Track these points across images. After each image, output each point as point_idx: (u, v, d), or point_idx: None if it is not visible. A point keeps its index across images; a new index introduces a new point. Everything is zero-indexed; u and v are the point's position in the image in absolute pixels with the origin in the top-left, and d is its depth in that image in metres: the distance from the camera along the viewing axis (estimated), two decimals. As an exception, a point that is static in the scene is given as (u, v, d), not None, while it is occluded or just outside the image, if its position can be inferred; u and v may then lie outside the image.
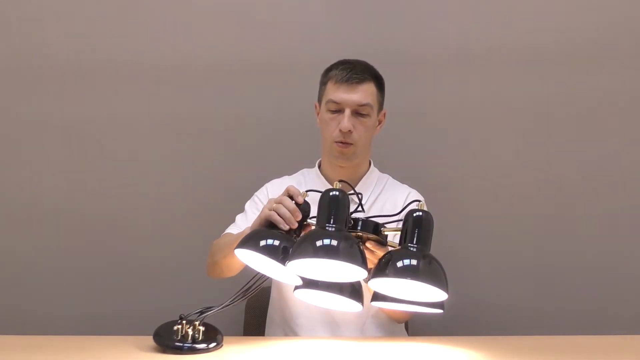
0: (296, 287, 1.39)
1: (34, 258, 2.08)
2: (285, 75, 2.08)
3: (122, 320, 2.07)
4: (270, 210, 1.34)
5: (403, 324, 1.78)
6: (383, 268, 1.22)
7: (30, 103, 2.07)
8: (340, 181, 1.34)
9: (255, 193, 1.75)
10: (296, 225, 1.32)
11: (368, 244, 1.32)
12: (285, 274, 1.32)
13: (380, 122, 1.72)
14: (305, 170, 1.81)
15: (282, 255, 1.27)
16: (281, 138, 2.07)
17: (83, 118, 2.07)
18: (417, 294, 1.26)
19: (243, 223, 1.67)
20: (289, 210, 1.32)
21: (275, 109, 2.08)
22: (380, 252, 1.30)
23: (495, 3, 2.09)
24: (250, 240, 1.31)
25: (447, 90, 2.09)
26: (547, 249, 2.12)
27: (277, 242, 1.28)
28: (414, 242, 1.24)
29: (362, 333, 1.67)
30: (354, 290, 1.36)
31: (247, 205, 1.74)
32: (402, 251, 1.24)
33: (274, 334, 1.72)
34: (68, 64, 2.06)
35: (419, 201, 1.32)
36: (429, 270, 1.21)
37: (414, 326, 1.87)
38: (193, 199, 2.08)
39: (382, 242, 1.32)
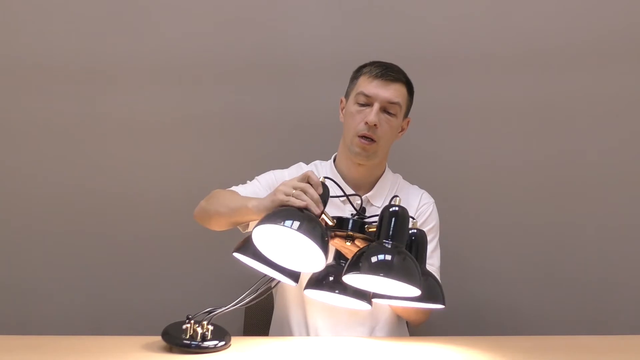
0: (306, 287, 1.39)
1: (37, 258, 2.08)
2: (290, 75, 2.08)
3: (126, 320, 2.07)
4: (287, 196, 1.26)
5: (405, 326, 1.78)
6: (356, 263, 1.20)
7: (31, 101, 2.06)
8: (326, 178, 1.33)
9: (257, 177, 1.71)
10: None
11: (357, 242, 1.32)
12: (286, 268, 1.28)
13: (403, 128, 1.71)
14: (318, 162, 1.77)
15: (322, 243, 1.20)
16: (288, 138, 2.08)
17: (85, 116, 2.07)
18: (391, 289, 1.24)
19: (247, 189, 1.64)
20: (313, 200, 1.25)
21: (281, 108, 2.08)
22: None
23: (496, 6, 2.09)
24: (287, 216, 1.21)
25: (450, 92, 2.09)
26: (548, 250, 2.12)
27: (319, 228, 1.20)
28: (389, 238, 1.23)
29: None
30: (358, 292, 1.35)
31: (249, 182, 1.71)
32: (377, 247, 1.22)
33: (282, 333, 1.71)
34: (68, 63, 2.05)
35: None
36: (402, 266, 1.19)
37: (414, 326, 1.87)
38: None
39: (370, 239, 1.31)
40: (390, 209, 1.25)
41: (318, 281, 1.36)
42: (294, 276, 1.34)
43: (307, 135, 2.05)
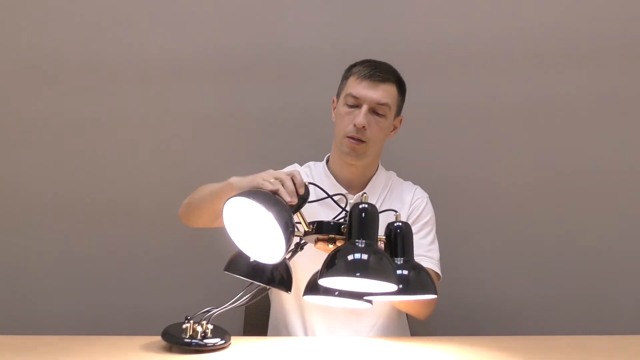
0: (305, 293, 1.39)
1: (38, 258, 2.08)
2: (289, 75, 2.08)
3: (126, 320, 2.07)
4: (264, 181, 1.28)
5: (406, 324, 1.78)
6: (331, 265, 1.18)
7: (31, 101, 2.07)
8: (310, 183, 1.32)
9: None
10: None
11: (338, 244, 1.31)
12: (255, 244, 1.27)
13: (395, 127, 1.71)
14: (312, 164, 1.78)
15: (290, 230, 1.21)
16: (287, 138, 2.08)
17: (85, 116, 2.07)
18: (368, 287, 1.23)
19: None
20: (287, 192, 1.26)
21: (280, 108, 2.09)
22: None
23: (496, 5, 2.09)
24: (257, 193, 1.22)
25: (449, 91, 2.10)
26: (547, 249, 2.12)
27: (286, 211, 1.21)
28: (360, 237, 1.22)
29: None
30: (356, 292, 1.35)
31: None
32: (350, 247, 1.21)
33: (279, 333, 1.71)
34: (68, 62, 2.06)
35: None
36: (376, 264, 1.18)
37: (414, 326, 1.87)
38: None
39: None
40: (359, 207, 1.24)
41: (315, 286, 1.36)
42: (286, 285, 1.34)
43: (306, 136, 2.05)
